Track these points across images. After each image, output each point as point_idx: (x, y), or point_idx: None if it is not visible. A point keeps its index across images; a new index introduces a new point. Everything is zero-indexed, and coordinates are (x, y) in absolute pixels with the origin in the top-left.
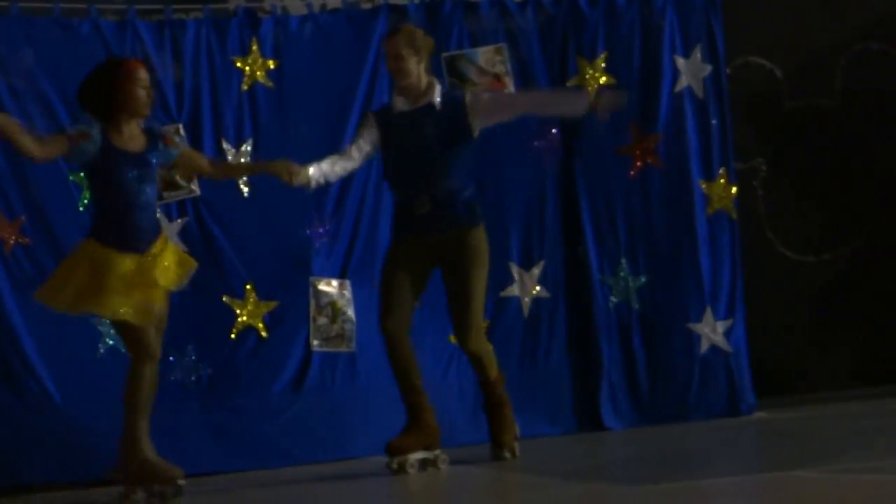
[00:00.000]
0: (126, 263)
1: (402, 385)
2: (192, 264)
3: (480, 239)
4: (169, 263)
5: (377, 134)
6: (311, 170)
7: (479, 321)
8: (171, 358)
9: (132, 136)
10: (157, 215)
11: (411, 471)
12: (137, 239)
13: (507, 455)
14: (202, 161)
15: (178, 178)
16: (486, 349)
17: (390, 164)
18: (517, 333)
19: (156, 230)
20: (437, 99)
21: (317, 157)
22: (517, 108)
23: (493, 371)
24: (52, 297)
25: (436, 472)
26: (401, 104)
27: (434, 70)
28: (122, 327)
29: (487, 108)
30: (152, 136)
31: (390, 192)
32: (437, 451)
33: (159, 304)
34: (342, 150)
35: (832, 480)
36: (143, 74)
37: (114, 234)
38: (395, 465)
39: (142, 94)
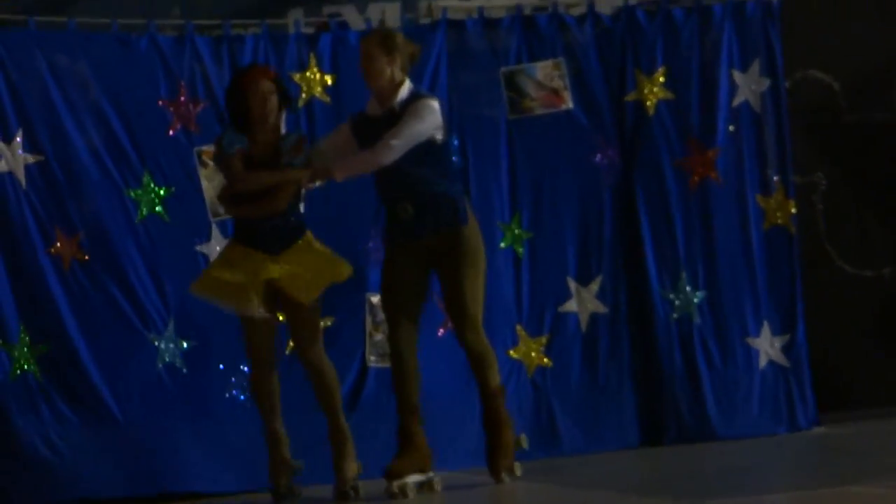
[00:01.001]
0: (256, 260)
1: (401, 404)
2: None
3: (470, 237)
4: (302, 271)
5: (351, 137)
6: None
7: (478, 319)
8: (231, 378)
9: (271, 141)
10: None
11: (411, 494)
12: (269, 240)
13: (506, 479)
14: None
15: None
16: (488, 350)
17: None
18: (576, 349)
19: (291, 232)
20: (398, 102)
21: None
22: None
23: (495, 379)
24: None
25: (433, 494)
26: (373, 108)
27: (492, 85)
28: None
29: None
30: (285, 142)
31: (377, 194)
32: (431, 474)
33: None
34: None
35: (890, 496)
36: (265, 84)
37: (251, 236)
38: (395, 489)
39: (258, 104)
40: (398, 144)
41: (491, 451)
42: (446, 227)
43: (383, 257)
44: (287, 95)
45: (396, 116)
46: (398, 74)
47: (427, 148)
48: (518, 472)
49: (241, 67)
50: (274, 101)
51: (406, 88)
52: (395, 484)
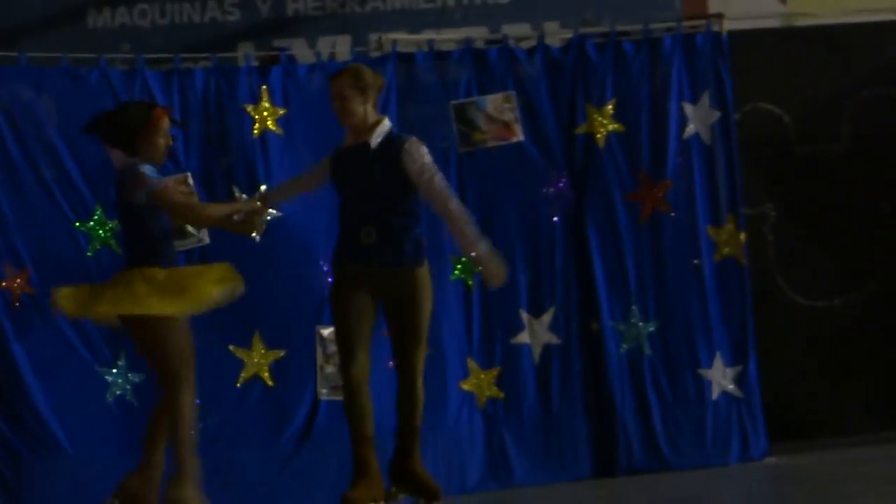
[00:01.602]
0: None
1: (355, 434)
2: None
3: (426, 279)
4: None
5: (326, 170)
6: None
7: (423, 361)
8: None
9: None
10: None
11: None
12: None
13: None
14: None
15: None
16: (421, 393)
17: (340, 195)
18: (529, 380)
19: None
20: (376, 140)
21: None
22: (437, 208)
23: (418, 419)
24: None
25: None
26: (348, 140)
27: (442, 117)
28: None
29: (418, 183)
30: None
31: (339, 220)
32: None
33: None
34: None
35: None
36: (166, 124)
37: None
38: None
39: (161, 143)
40: (443, 190)
41: (424, 486)
42: (406, 264)
43: (331, 284)
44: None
45: (372, 152)
46: (371, 112)
47: (405, 186)
48: None
49: (142, 101)
50: (170, 143)
51: (385, 126)
52: None
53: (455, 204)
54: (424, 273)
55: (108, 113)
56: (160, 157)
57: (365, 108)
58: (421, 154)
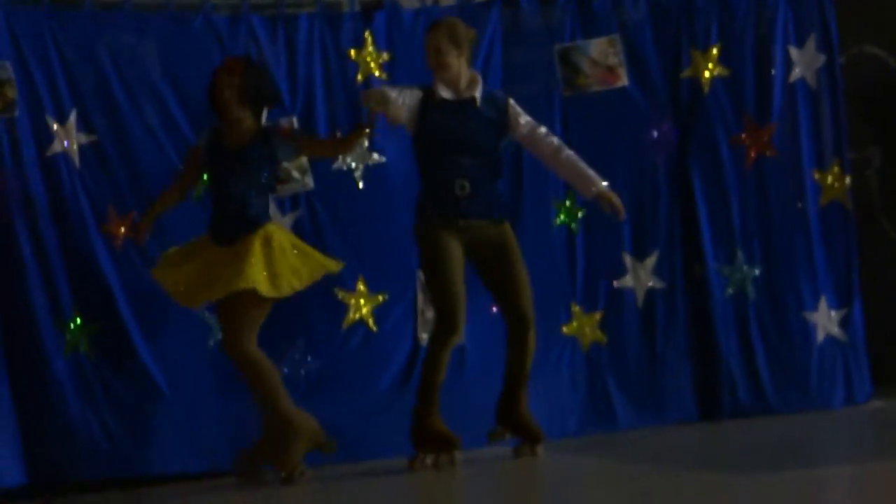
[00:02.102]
0: (215, 254)
1: (430, 382)
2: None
3: (511, 233)
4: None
5: (417, 110)
6: (392, 101)
7: (532, 310)
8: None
9: (241, 132)
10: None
11: (429, 464)
12: (223, 230)
13: (540, 452)
14: (326, 145)
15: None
16: (534, 339)
17: (430, 146)
18: (632, 325)
19: (248, 224)
20: (478, 95)
21: None
22: (542, 157)
23: (530, 364)
24: (165, 278)
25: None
26: (444, 92)
27: (546, 63)
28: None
29: (521, 136)
30: (265, 134)
31: (422, 170)
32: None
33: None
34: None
35: None
36: (224, 77)
37: (211, 226)
38: (416, 465)
39: (225, 95)
40: (555, 138)
41: (530, 423)
42: (496, 217)
43: (423, 241)
44: (255, 90)
45: (476, 108)
46: (464, 66)
47: (501, 140)
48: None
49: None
50: (229, 94)
51: (480, 82)
52: (417, 460)
53: (568, 150)
54: (509, 226)
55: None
56: (226, 112)
57: (459, 62)
58: (522, 110)
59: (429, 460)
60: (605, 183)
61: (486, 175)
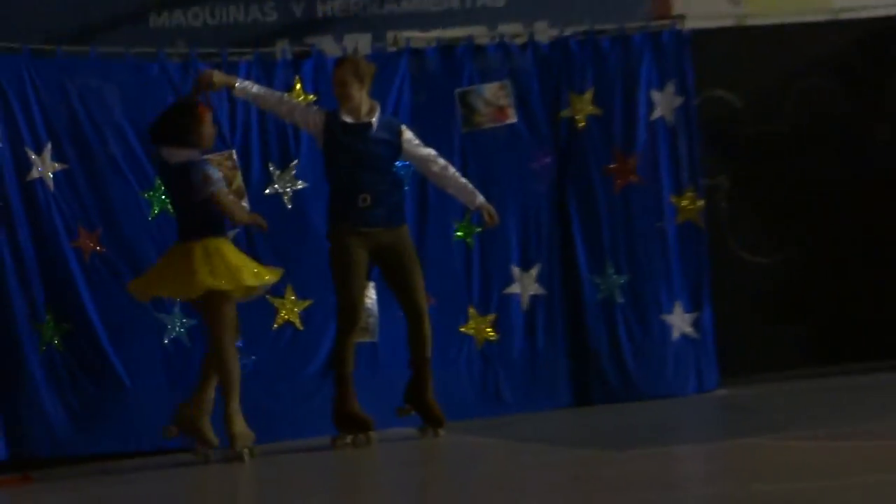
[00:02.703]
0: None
1: (342, 371)
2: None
3: (408, 235)
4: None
5: (320, 130)
6: (240, 82)
7: (425, 303)
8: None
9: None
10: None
11: (350, 443)
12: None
13: (441, 433)
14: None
15: None
16: (430, 328)
17: (336, 162)
18: (518, 325)
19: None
20: (375, 120)
21: None
22: (431, 175)
23: (430, 351)
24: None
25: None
26: (346, 118)
27: (447, 103)
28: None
29: (411, 156)
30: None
31: (331, 185)
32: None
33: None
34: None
35: (780, 446)
36: (209, 116)
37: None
38: (338, 443)
39: (208, 132)
40: (441, 158)
41: (432, 408)
42: (396, 222)
43: (332, 247)
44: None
45: (374, 131)
46: (365, 96)
47: (391, 161)
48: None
49: (183, 100)
50: (209, 131)
51: (378, 109)
52: (338, 441)
53: (452, 169)
54: (407, 230)
55: (160, 119)
56: (209, 144)
57: (361, 93)
58: (413, 135)
59: (349, 439)
60: (480, 197)
61: (385, 188)
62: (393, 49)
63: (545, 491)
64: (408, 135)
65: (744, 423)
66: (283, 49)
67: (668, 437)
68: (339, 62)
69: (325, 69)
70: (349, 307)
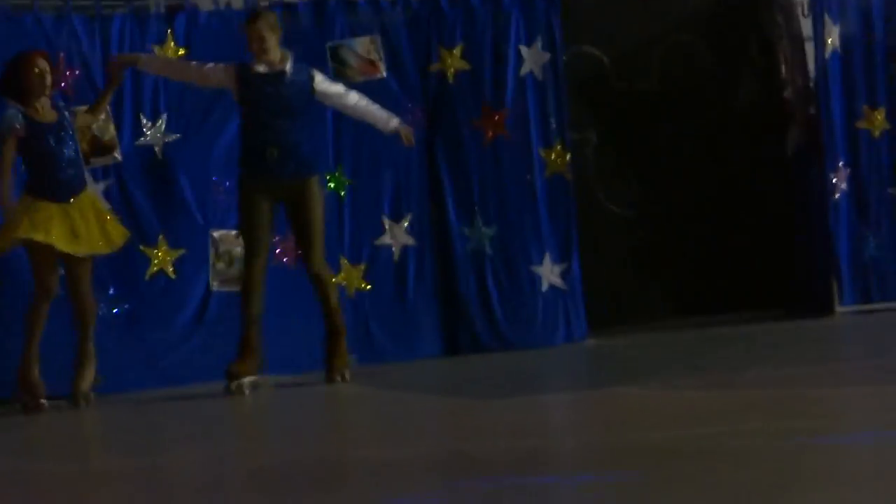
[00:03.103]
0: (52, 209)
1: (246, 318)
2: (121, 241)
3: (317, 185)
4: (105, 229)
5: (235, 84)
6: (143, 56)
7: (322, 251)
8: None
9: (46, 110)
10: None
11: (247, 391)
12: (60, 190)
13: (339, 379)
14: (88, 114)
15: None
16: (330, 275)
17: (249, 117)
18: (389, 276)
19: (80, 182)
20: (288, 68)
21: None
22: (345, 108)
23: (335, 298)
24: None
25: (266, 392)
26: (261, 68)
27: (319, 57)
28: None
29: (324, 95)
30: (58, 107)
31: (242, 138)
32: (265, 376)
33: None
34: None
35: (645, 395)
36: (40, 62)
37: (43, 188)
38: (233, 388)
39: (36, 77)
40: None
41: (329, 357)
42: (304, 174)
43: (239, 195)
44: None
45: (288, 78)
46: (278, 47)
47: (304, 106)
48: (348, 376)
49: (20, 51)
50: (50, 80)
51: (290, 57)
52: (234, 384)
53: (365, 99)
54: (317, 181)
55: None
56: (38, 90)
57: (276, 45)
58: (324, 76)
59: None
60: (396, 119)
61: (297, 137)
62: (265, 4)
63: (415, 438)
64: (319, 76)
65: (612, 372)
66: (156, 2)
67: (537, 386)
68: (254, 17)
69: (196, 23)
70: (249, 247)
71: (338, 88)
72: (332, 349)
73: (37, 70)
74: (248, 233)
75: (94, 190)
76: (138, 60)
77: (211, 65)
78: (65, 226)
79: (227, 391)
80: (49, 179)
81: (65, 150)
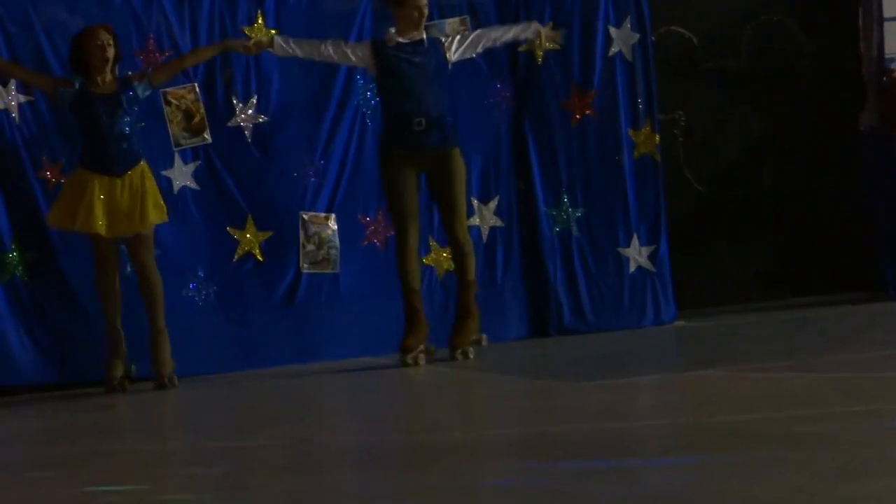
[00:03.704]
0: (104, 184)
1: (407, 287)
2: (156, 220)
3: (460, 156)
4: (144, 207)
5: (372, 61)
6: (278, 38)
7: (465, 222)
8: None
9: (105, 83)
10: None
11: (421, 363)
12: (113, 163)
13: (459, 356)
14: (172, 66)
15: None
16: (472, 247)
17: (391, 88)
18: (478, 257)
19: (133, 157)
20: (425, 38)
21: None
22: (485, 43)
23: (472, 272)
24: (56, 220)
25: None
26: (401, 38)
27: None
28: (94, 241)
29: (467, 50)
30: (124, 81)
31: (385, 111)
32: (430, 345)
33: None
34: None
35: (733, 377)
36: (101, 35)
37: (93, 160)
38: (409, 361)
39: (97, 50)
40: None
41: (454, 332)
42: (449, 144)
43: (383, 169)
44: (119, 49)
45: (424, 46)
46: None
47: (444, 76)
48: (471, 354)
49: (85, 27)
50: (110, 53)
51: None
52: (409, 357)
53: (489, 29)
54: (459, 152)
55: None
56: (99, 64)
57: None
58: (444, 31)
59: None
60: (534, 24)
61: (441, 107)
62: None
63: (504, 420)
64: (447, 42)
65: (700, 354)
66: None
67: (625, 368)
68: None
69: (286, 3)
70: (400, 222)
71: (468, 39)
72: (458, 326)
73: (98, 42)
74: (397, 204)
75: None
76: (272, 43)
77: (349, 43)
78: (108, 205)
79: (404, 364)
80: (98, 152)
81: (116, 124)
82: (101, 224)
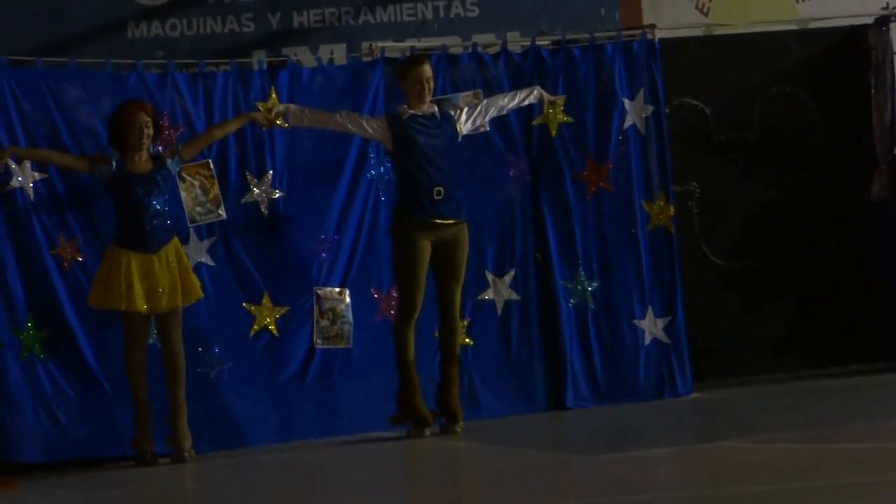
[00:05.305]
0: (141, 261)
1: (402, 358)
2: (196, 296)
3: (467, 232)
4: (186, 282)
5: (388, 134)
6: (293, 107)
7: (459, 300)
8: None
9: (142, 161)
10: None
11: (427, 434)
12: (148, 240)
13: (459, 430)
14: (201, 140)
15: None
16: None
17: (408, 160)
18: (493, 330)
19: (167, 234)
20: (436, 111)
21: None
22: (493, 112)
23: (458, 347)
24: (97, 300)
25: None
26: (416, 111)
27: None
28: (127, 318)
29: (475, 119)
30: (157, 159)
31: (402, 182)
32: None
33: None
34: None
35: (753, 449)
36: (140, 117)
37: (129, 238)
38: (426, 433)
39: (135, 131)
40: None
41: (451, 401)
42: (462, 216)
43: (398, 238)
44: (159, 126)
45: (437, 119)
46: None
47: (455, 148)
48: (459, 429)
49: (122, 102)
50: (148, 131)
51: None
52: (426, 429)
53: (493, 99)
54: (467, 226)
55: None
56: (136, 143)
57: None
58: (452, 106)
59: (426, 431)
60: (537, 88)
61: (455, 179)
62: (368, 59)
63: (521, 494)
64: (455, 115)
65: (716, 426)
66: (259, 59)
67: (641, 440)
68: (422, 60)
69: (299, 79)
70: (409, 299)
71: (475, 110)
72: (453, 394)
73: (137, 127)
74: (409, 274)
75: (177, 244)
76: (287, 111)
77: (365, 116)
78: (146, 282)
79: (415, 436)
80: (134, 229)
81: (153, 202)
82: (141, 302)
